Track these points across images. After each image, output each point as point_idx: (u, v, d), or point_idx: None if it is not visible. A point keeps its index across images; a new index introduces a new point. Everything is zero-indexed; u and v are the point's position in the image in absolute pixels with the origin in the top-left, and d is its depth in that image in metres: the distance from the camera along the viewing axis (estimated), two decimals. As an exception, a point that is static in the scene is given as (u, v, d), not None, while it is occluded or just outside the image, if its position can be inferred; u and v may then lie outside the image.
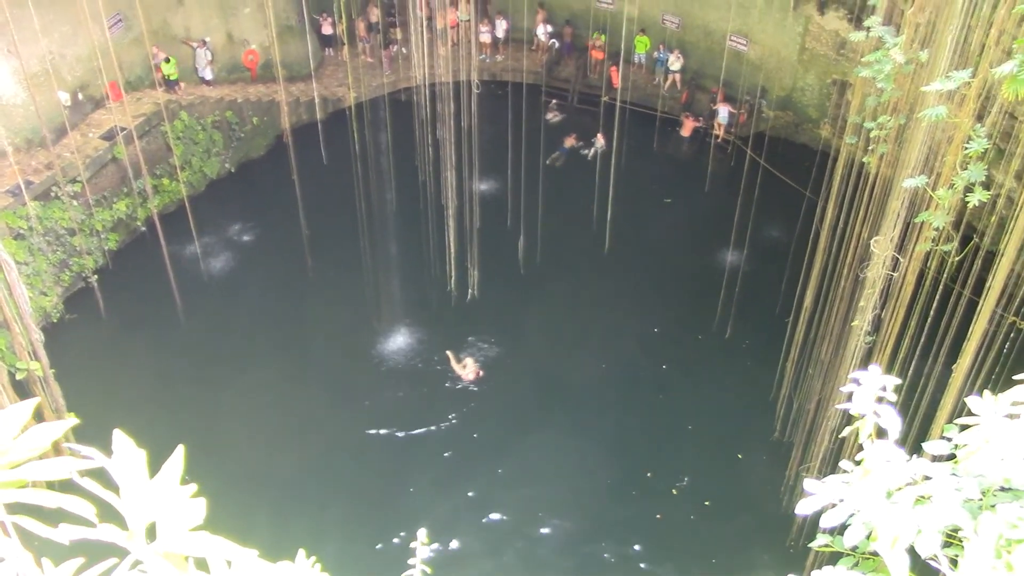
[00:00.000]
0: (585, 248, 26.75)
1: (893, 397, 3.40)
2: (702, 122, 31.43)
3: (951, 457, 3.49)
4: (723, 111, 30.66)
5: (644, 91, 32.32)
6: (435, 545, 18.94)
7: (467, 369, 23.17)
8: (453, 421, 22.52)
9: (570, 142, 31.25)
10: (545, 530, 20.35)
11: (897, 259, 15.06)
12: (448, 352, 23.50)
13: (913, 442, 15.02)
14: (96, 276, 24.61)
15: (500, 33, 34.00)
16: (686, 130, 31.35)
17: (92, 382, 21.51)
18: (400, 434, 22.22)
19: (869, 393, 3.34)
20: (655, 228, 28.24)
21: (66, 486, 2.10)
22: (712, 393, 23.32)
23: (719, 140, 30.89)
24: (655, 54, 32.49)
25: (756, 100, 30.64)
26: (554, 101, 32.69)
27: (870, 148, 16.09)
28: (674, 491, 21.27)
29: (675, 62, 32.03)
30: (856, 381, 3.37)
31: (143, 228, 26.51)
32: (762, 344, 23.14)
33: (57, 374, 17.70)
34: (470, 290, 24.64)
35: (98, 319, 23.67)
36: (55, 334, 22.72)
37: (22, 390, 17.40)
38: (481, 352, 24.12)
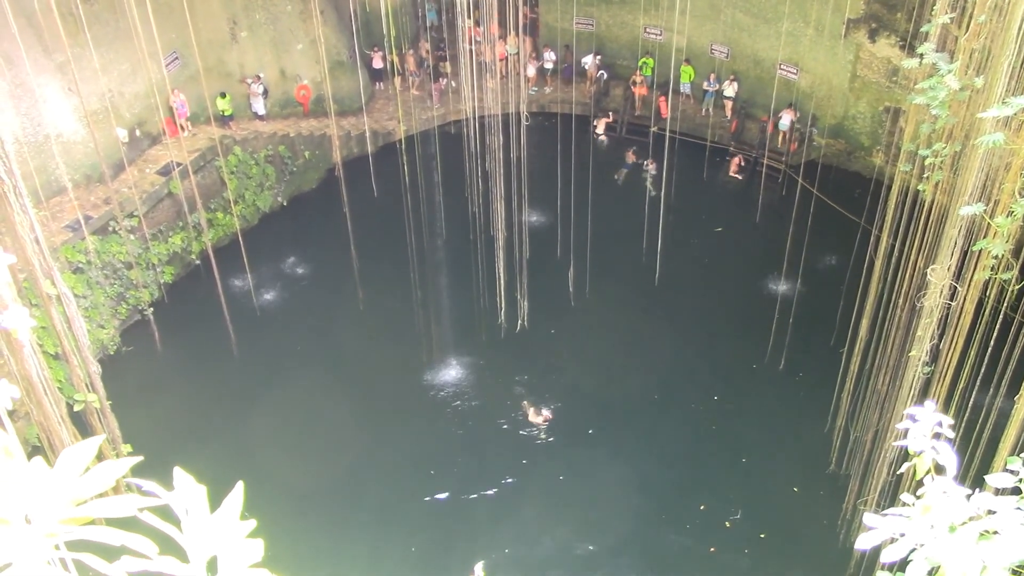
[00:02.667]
0: (636, 278, 26.62)
1: (950, 434, 3.32)
2: (755, 152, 31.23)
3: (1016, 491, 3.40)
4: (786, 117, 30.48)
5: (693, 121, 32.26)
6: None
7: (540, 416, 23.09)
8: (503, 452, 22.45)
9: (631, 157, 31.47)
10: (598, 562, 20.15)
11: (955, 288, 14.78)
12: (524, 403, 23.46)
13: (975, 475, 14.66)
14: (152, 309, 24.99)
15: (548, 65, 34.15)
16: (732, 168, 31.13)
17: (148, 414, 21.77)
18: (452, 466, 22.21)
19: (925, 430, 3.27)
20: (706, 258, 28.08)
21: (128, 520, 2.11)
22: (766, 425, 23.02)
23: (780, 144, 30.73)
24: (704, 85, 32.42)
25: (807, 128, 30.40)
26: (601, 120, 32.81)
27: (925, 176, 15.86)
28: (728, 524, 20.96)
29: (729, 88, 31.93)
30: (912, 418, 3.31)
31: (198, 261, 26.89)
32: (817, 375, 22.80)
33: (113, 406, 17.92)
34: (520, 321, 24.61)
35: (154, 351, 24.00)
36: (112, 366, 23.05)
37: (79, 422, 17.64)
38: (531, 383, 24.07)
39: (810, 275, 25.40)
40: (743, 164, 31.26)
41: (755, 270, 27.13)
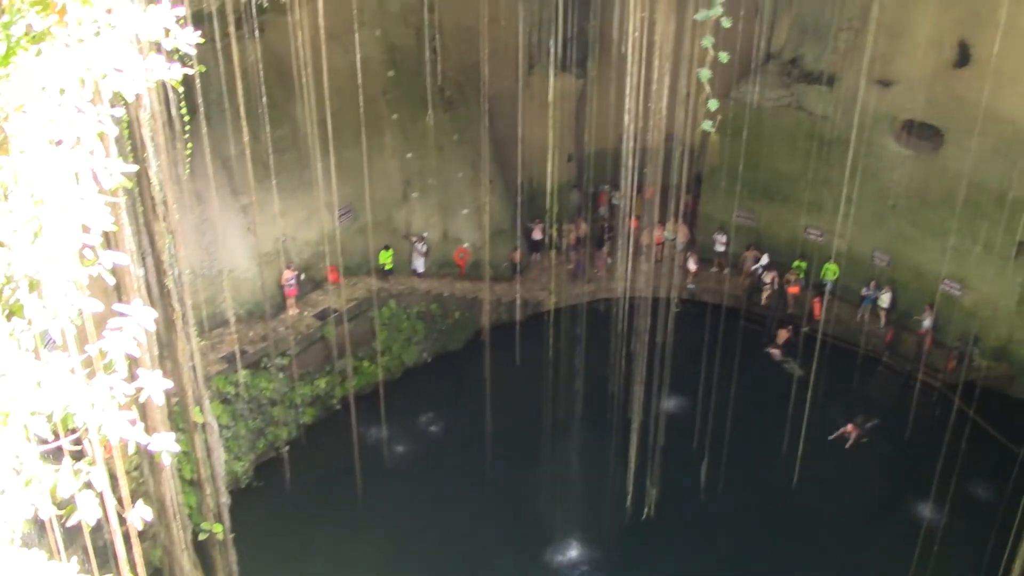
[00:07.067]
0: (772, 479, 25.65)
1: None
2: (910, 366, 30.12)
3: None
4: (927, 319, 29.61)
5: (847, 326, 31.50)
6: None
7: None
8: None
9: (783, 336, 31.25)
10: None
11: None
12: None
13: None
14: (288, 447, 25.56)
15: (719, 248, 33.93)
16: (850, 434, 27.72)
17: (267, 552, 21.97)
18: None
19: None
20: (849, 469, 26.83)
21: None
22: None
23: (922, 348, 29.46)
24: (862, 291, 31.81)
25: (968, 348, 29.20)
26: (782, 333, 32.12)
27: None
28: None
29: (884, 298, 31.24)
30: None
31: (338, 406, 27.49)
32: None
33: (235, 539, 18.23)
34: (646, 509, 23.94)
35: (283, 490, 24.39)
36: (240, 499, 23.47)
37: (201, 551, 17.96)
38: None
39: (960, 503, 23.85)
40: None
41: (900, 489, 25.73)
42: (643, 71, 21.53)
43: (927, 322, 29.82)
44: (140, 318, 5.13)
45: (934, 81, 28.32)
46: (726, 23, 19.79)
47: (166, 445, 5.58)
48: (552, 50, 26.49)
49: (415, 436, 27.82)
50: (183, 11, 5.47)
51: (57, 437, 5.38)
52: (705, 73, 20.74)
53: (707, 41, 20.25)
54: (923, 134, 29.46)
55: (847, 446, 27.32)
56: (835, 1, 29.27)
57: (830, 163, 29.53)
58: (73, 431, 5.40)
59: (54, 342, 5.53)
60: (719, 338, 26.11)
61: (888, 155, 30.07)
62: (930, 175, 29.39)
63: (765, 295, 32.77)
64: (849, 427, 27.71)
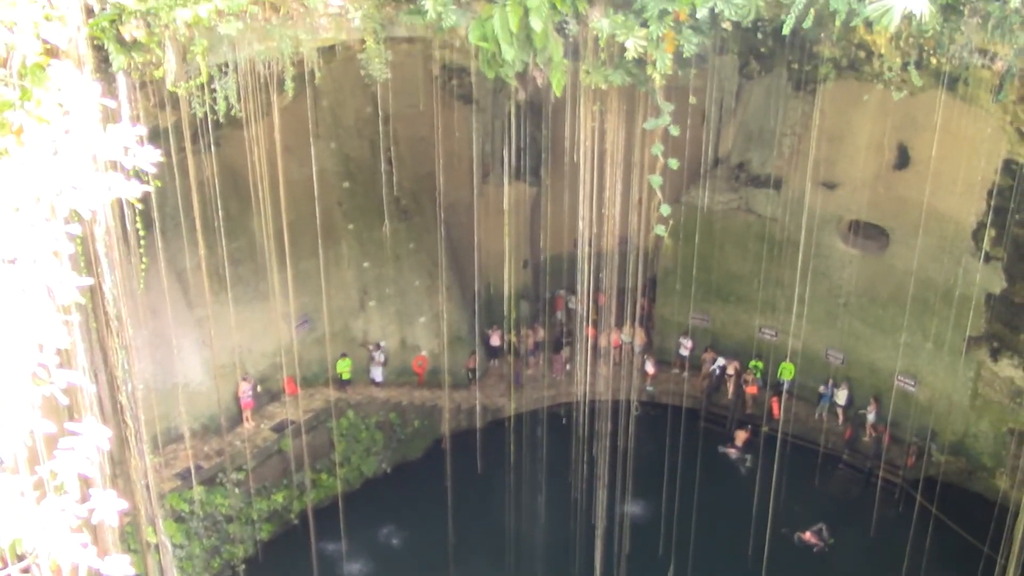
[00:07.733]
0: (738, 584, 25.33)
1: None
2: (870, 463, 30.20)
3: None
4: (871, 413, 30.24)
5: (805, 424, 31.61)
6: None
7: None
8: None
9: (743, 436, 31.42)
10: None
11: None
12: None
13: None
14: (244, 566, 24.83)
15: (684, 352, 33.93)
16: (808, 541, 27.56)
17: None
18: None
19: None
20: (815, 569, 26.60)
21: None
22: None
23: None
24: (820, 388, 32.05)
25: (926, 443, 29.38)
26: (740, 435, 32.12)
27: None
28: None
29: (840, 395, 31.48)
30: None
31: (296, 521, 26.86)
32: None
33: (190, 664, 17.53)
34: (614, 619, 23.50)
35: (239, 612, 23.62)
36: (196, 621, 22.75)
37: (154, 677, 17.20)
38: None
39: (928, 601, 23.73)
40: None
41: (869, 589, 25.53)
42: (595, 178, 21.99)
43: (871, 415, 30.13)
44: (93, 437, 5.03)
45: (876, 183, 29.13)
46: (674, 131, 20.44)
47: (120, 569, 5.40)
48: (505, 159, 26.96)
49: (375, 549, 27.17)
50: (143, 129, 5.52)
51: (5, 564, 5.21)
52: (656, 179, 21.30)
53: (657, 148, 20.85)
54: (869, 234, 30.17)
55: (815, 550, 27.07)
56: (777, 108, 30.20)
57: (781, 264, 30.05)
58: (22, 557, 5.23)
59: (3, 463, 5.39)
60: (680, 440, 26.03)
61: (836, 255, 30.69)
62: (878, 273, 29.99)
63: (730, 390, 32.95)
64: (808, 535, 27.50)
